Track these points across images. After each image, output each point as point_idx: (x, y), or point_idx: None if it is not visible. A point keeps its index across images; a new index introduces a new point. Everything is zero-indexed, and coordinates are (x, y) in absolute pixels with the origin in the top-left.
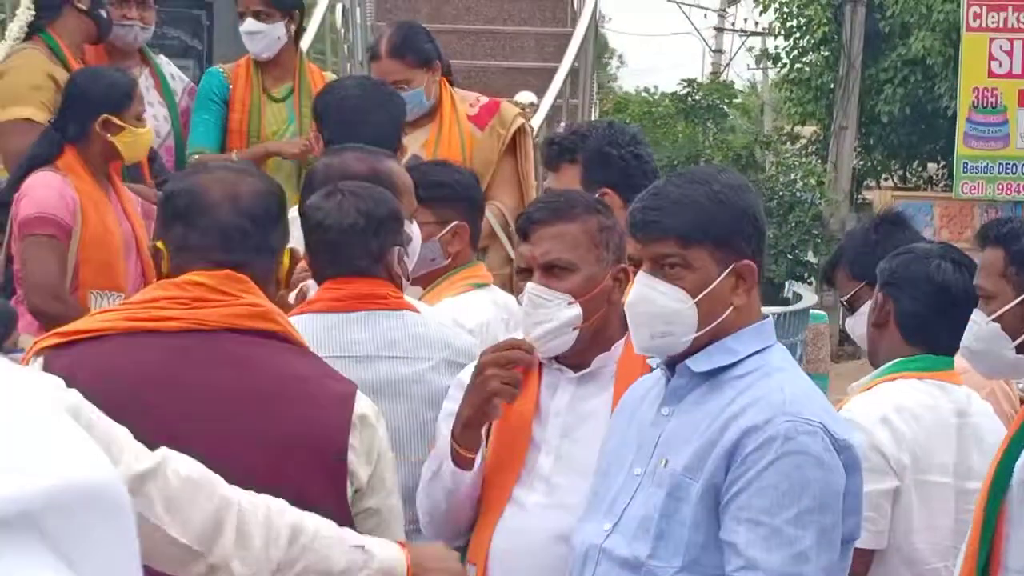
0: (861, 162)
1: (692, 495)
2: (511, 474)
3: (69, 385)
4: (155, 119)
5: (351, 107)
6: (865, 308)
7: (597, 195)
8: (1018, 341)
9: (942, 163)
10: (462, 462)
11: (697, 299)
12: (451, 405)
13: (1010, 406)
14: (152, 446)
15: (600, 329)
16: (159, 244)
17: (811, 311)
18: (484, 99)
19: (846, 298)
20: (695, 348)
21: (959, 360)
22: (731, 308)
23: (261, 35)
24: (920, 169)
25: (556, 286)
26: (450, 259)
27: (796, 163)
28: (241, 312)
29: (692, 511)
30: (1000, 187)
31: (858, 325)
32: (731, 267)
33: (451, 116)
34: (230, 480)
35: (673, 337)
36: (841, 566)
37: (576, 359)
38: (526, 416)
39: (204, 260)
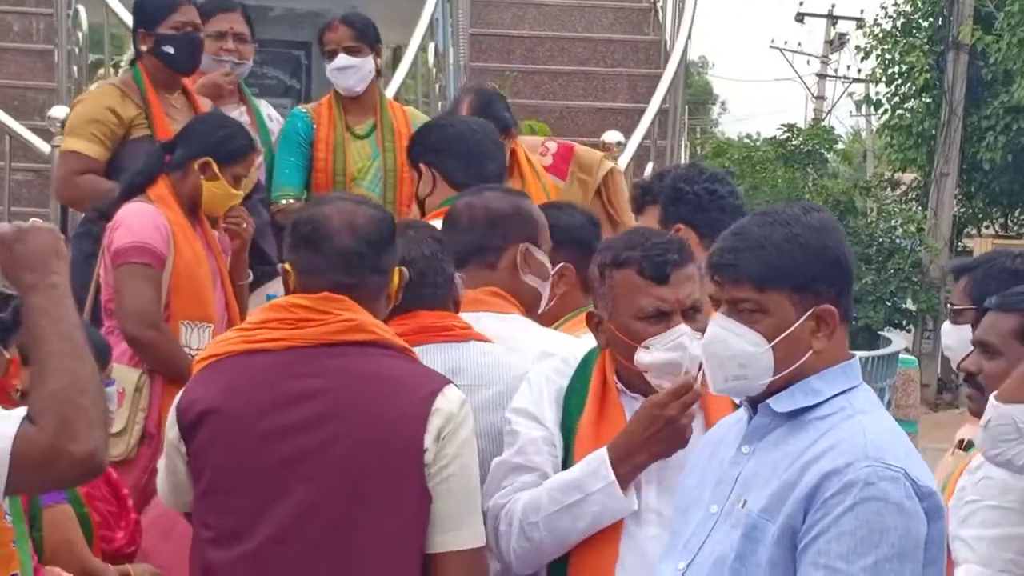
0: (962, 209)
1: (768, 537)
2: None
3: (200, 398)
4: None
5: (476, 143)
6: None
7: (672, 231)
8: None
9: None
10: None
11: (773, 343)
12: (532, 431)
13: None
14: (264, 453)
15: None
16: (287, 266)
17: (901, 356)
18: (552, 144)
19: None
20: (775, 389)
21: None
22: (810, 352)
23: (354, 70)
24: (1022, 216)
25: (695, 326)
26: (554, 300)
27: (896, 210)
28: (337, 328)
29: (768, 553)
30: None
31: None
32: (811, 311)
33: (530, 172)
34: (325, 470)
35: (747, 380)
36: None
37: (651, 388)
38: None
39: (326, 280)
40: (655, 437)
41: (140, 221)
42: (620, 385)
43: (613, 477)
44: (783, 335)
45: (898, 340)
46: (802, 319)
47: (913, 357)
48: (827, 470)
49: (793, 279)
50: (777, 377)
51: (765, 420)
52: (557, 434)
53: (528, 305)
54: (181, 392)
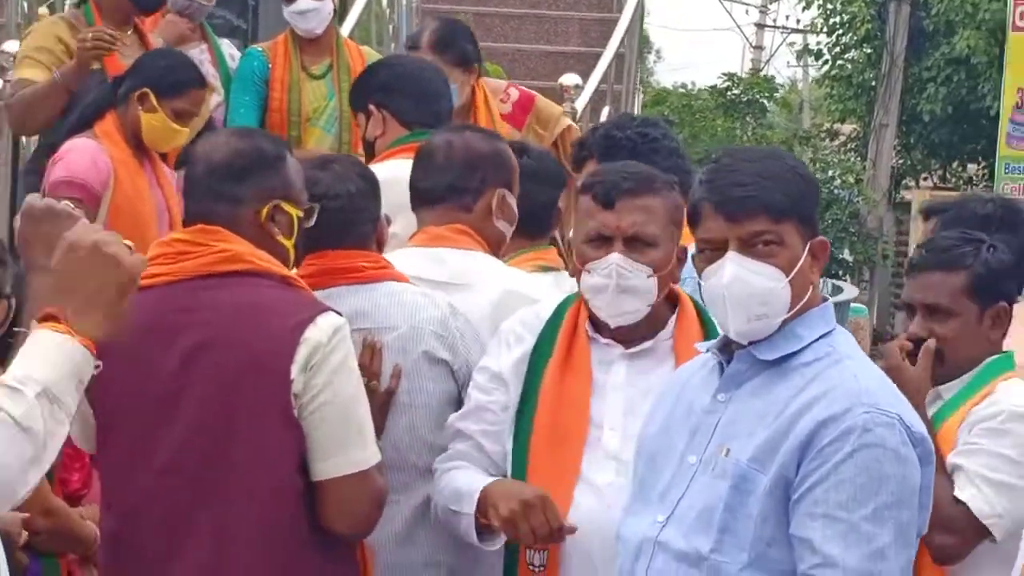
0: (900, 161)
1: (760, 487)
2: (575, 451)
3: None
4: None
5: (427, 81)
6: None
7: None
8: None
9: (983, 163)
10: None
11: (791, 277)
12: (480, 397)
13: None
14: (149, 388)
15: (657, 306)
16: None
17: (852, 304)
18: (515, 92)
19: None
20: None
21: None
22: (811, 288)
23: (315, 13)
24: (960, 169)
25: (638, 259)
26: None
27: (835, 160)
28: (213, 259)
29: (760, 504)
30: None
31: None
32: (809, 244)
33: (486, 117)
34: (198, 402)
35: (768, 319)
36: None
37: (626, 335)
38: (583, 392)
39: (187, 213)
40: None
41: (78, 156)
42: (591, 331)
43: (473, 511)
44: (796, 268)
45: (849, 289)
46: (806, 252)
47: (863, 306)
48: (823, 417)
49: (800, 210)
50: (791, 314)
51: (742, 367)
52: (515, 396)
53: (492, 248)
54: None
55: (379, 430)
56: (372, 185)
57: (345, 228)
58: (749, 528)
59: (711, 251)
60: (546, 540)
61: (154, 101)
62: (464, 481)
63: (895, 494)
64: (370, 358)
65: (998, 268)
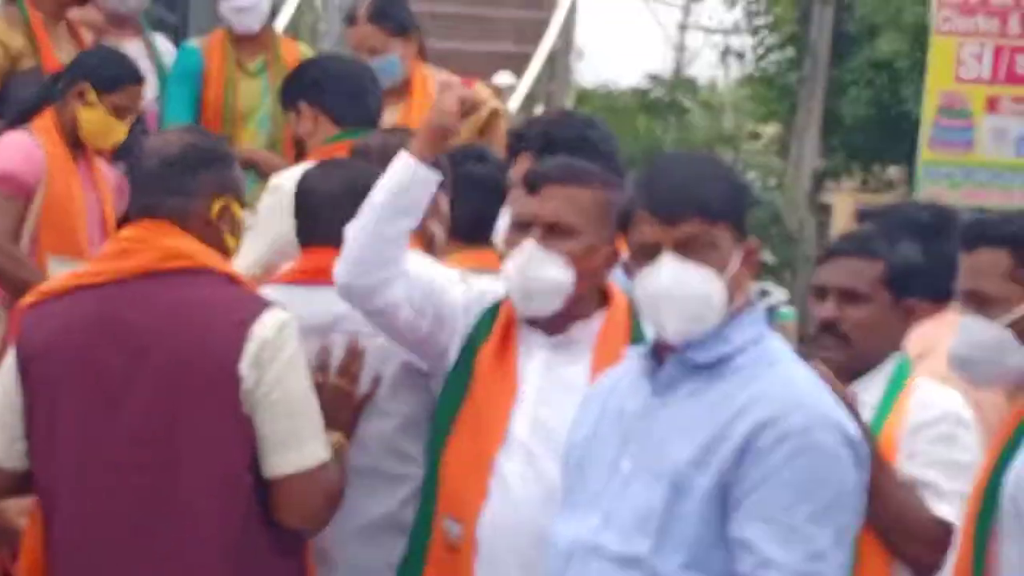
0: (822, 163)
1: (698, 490)
2: (494, 437)
3: (34, 338)
4: None
5: (358, 79)
6: None
7: None
8: None
9: (905, 166)
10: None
11: (725, 280)
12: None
13: (995, 416)
14: (101, 389)
15: (579, 300)
16: None
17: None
18: (456, 80)
19: None
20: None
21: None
22: (743, 291)
23: (252, 9)
24: (882, 172)
25: (556, 247)
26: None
27: (756, 162)
28: (157, 256)
29: (698, 507)
30: (963, 193)
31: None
32: (740, 247)
33: (422, 96)
34: (146, 401)
35: (704, 321)
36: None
37: (550, 323)
38: (508, 379)
39: (135, 205)
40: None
41: (10, 150)
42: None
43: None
44: (730, 272)
45: (777, 292)
46: (737, 256)
47: (792, 310)
48: (761, 420)
49: (733, 213)
50: (723, 317)
51: (675, 371)
52: (457, 341)
53: (425, 250)
54: (17, 336)
55: (350, 433)
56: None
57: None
58: (687, 530)
59: (644, 255)
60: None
61: (93, 96)
62: None
63: (833, 496)
64: (350, 361)
65: (915, 265)
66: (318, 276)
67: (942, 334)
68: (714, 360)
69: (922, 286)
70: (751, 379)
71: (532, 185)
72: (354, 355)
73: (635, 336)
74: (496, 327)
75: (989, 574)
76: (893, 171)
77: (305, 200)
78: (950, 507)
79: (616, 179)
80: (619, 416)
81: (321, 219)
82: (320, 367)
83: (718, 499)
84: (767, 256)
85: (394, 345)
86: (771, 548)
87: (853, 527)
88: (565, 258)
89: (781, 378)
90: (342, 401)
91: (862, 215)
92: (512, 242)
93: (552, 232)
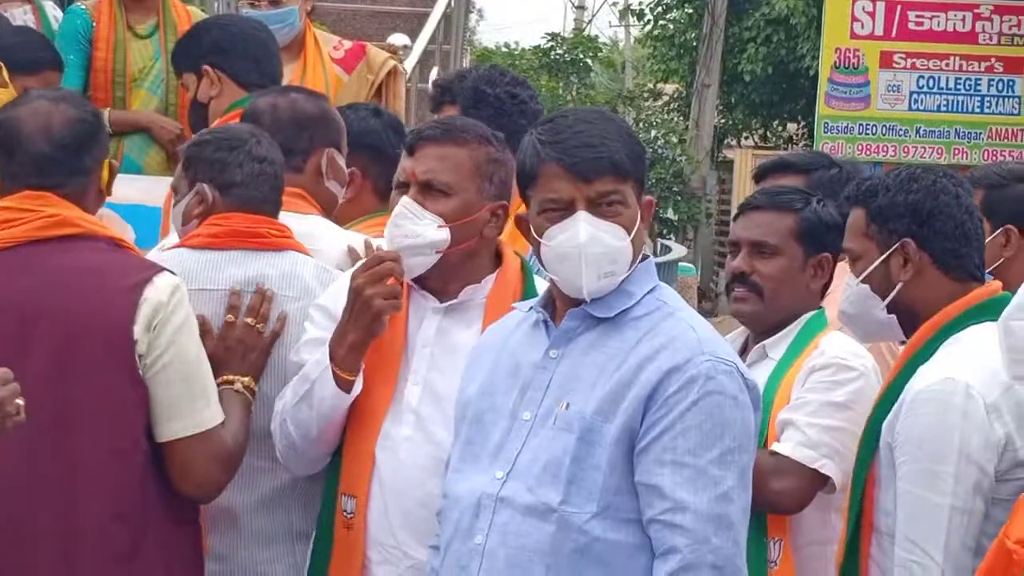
0: (722, 120)
1: (605, 438)
2: (381, 404)
3: None
4: None
5: (261, 41)
6: None
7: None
8: (887, 300)
9: (803, 123)
10: (344, 385)
11: (631, 236)
12: (316, 331)
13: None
14: None
15: (468, 261)
16: None
17: (680, 264)
18: (348, 43)
19: None
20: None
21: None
22: (645, 246)
23: None
24: (780, 128)
25: (430, 206)
26: (345, 204)
27: (658, 120)
28: (41, 224)
29: (607, 455)
30: (860, 148)
31: None
32: (642, 204)
33: (316, 57)
34: (39, 368)
35: (615, 276)
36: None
37: (441, 287)
38: (395, 345)
39: (23, 185)
40: (353, 312)
41: None
42: (411, 282)
43: (327, 362)
44: (636, 227)
45: (677, 248)
46: (640, 211)
47: (691, 265)
48: (667, 367)
49: (638, 170)
50: (629, 272)
51: (575, 324)
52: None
53: (326, 210)
54: None
55: (257, 373)
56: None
57: (276, 193)
58: (597, 479)
59: (555, 211)
60: (393, 277)
61: (6, 75)
62: (303, 369)
63: (737, 438)
64: (259, 302)
65: (827, 220)
66: (230, 240)
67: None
68: (616, 314)
69: (832, 241)
70: (651, 329)
71: (409, 146)
72: (263, 296)
73: (528, 296)
74: None
75: (866, 518)
76: (792, 127)
77: (257, 166)
78: (794, 440)
79: (499, 137)
80: (515, 369)
81: (266, 184)
82: (230, 309)
83: (626, 446)
84: (669, 213)
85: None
86: (681, 492)
87: (751, 468)
88: (437, 219)
89: (682, 327)
90: (251, 342)
91: (760, 171)
92: (394, 203)
93: (427, 191)
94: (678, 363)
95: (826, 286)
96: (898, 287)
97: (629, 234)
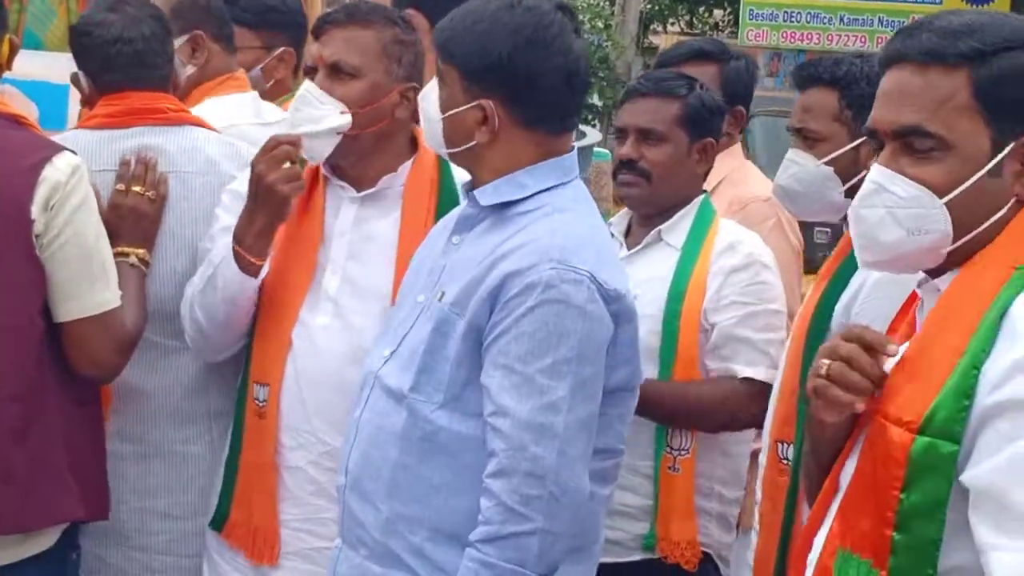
0: (649, 6)
1: (456, 331)
2: (298, 293)
3: None
4: None
5: None
6: None
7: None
8: (848, 185)
9: (728, 10)
10: (251, 269)
11: (444, 116)
12: (228, 218)
13: (796, 238)
14: None
15: (382, 144)
16: None
17: (595, 149)
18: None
19: None
20: (483, 181)
21: (742, 194)
22: (473, 143)
23: None
24: (707, 15)
25: (338, 89)
26: (271, 84)
27: (583, 5)
28: None
29: (456, 348)
30: (784, 35)
31: None
32: (477, 102)
33: None
34: None
35: (441, 149)
36: (617, 413)
37: (358, 175)
38: (312, 235)
39: None
40: (257, 197)
41: None
42: (327, 173)
43: (232, 246)
44: (450, 113)
45: (592, 133)
46: (467, 106)
47: (606, 151)
48: (510, 270)
49: (466, 63)
50: (454, 152)
51: (474, 211)
52: None
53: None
54: None
55: (150, 243)
56: (164, 27)
57: (142, 70)
58: (445, 370)
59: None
60: (292, 159)
61: None
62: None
63: (575, 349)
64: (144, 169)
65: (710, 105)
66: (127, 118)
67: (724, 168)
68: (502, 204)
69: (715, 126)
70: (525, 227)
71: (316, 31)
72: (147, 164)
73: (443, 185)
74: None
75: None
76: (719, 14)
77: (98, 48)
78: (763, 364)
79: (403, 18)
80: (432, 251)
81: (128, 64)
82: (119, 179)
83: (472, 342)
84: (595, 99)
85: (219, 181)
86: (505, 397)
87: (600, 381)
88: (340, 104)
89: (544, 229)
90: (143, 209)
91: (672, 59)
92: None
93: (334, 74)
94: (521, 267)
95: (708, 171)
96: (863, 174)
97: (442, 114)
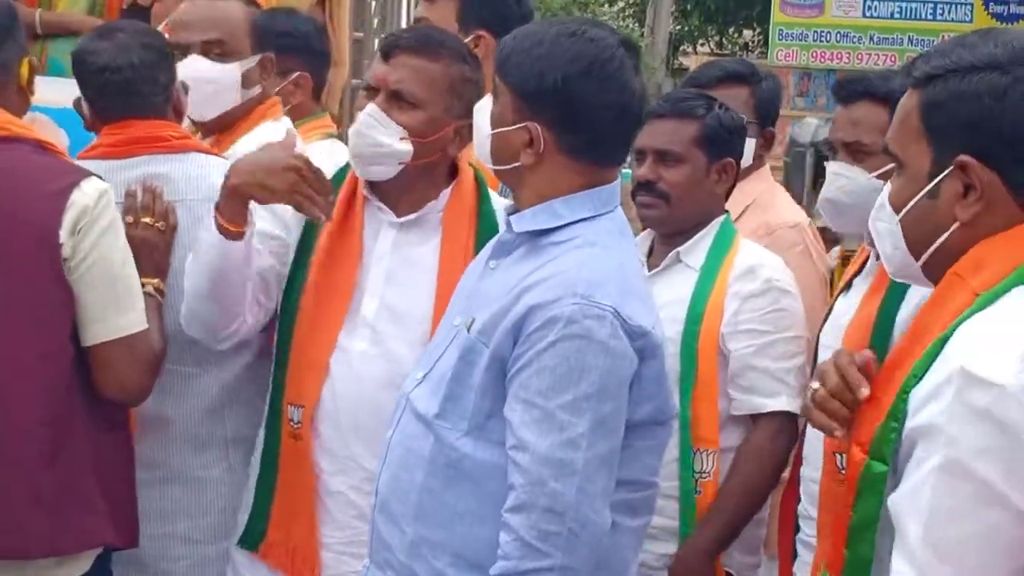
0: (678, 27)
1: (482, 361)
2: (336, 317)
3: None
4: None
5: None
6: None
7: (472, 38)
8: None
9: (758, 30)
10: (228, 234)
11: (493, 132)
12: (259, 223)
13: (823, 265)
14: None
15: (428, 175)
16: None
17: (623, 170)
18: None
19: None
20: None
21: (770, 220)
22: (518, 164)
23: None
24: (736, 36)
25: (396, 115)
26: (287, 109)
27: (613, 26)
28: None
29: (480, 377)
30: (814, 55)
31: None
32: (525, 124)
33: None
34: None
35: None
36: (645, 445)
37: (398, 200)
38: (351, 256)
39: None
40: (274, 174)
41: None
42: (368, 194)
43: (214, 215)
44: (500, 130)
45: None
46: (516, 126)
47: (627, 170)
48: (534, 303)
49: (520, 84)
50: (501, 168)
51: (511, 236)
52: (295, 234)
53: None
54: None
55: (164, 273)
56: (159, 54)
57: (133, 98)
58: (470, 399)
59: None
60: (323, 192)
61: None
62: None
63: (596, 384)
64: (151, 199)
65: (728, 125)
66: (131, 147)
67: (753, 191)
68: (537, 232)
69: (735, 146)
70: (555, 258)
71: (384, 51)
72: (153, 194)
73: (483, 211)
74: (338, 203)
75: None
76: (748, 34)
77: (90, 76)
78: (784, 395)
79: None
80: (473, 274)
81: (118, 93)
82: (127, 211)
83: (497, 373)
84: None
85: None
86: (524, 432)
87: (620, 415)
88: (401, 130)
89: (572, 263)
90: (153, 241)
91: (705, 81)
92: (361, 105)
93: (396, 100)
94: (545, 300)
95: (730, 190)
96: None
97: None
